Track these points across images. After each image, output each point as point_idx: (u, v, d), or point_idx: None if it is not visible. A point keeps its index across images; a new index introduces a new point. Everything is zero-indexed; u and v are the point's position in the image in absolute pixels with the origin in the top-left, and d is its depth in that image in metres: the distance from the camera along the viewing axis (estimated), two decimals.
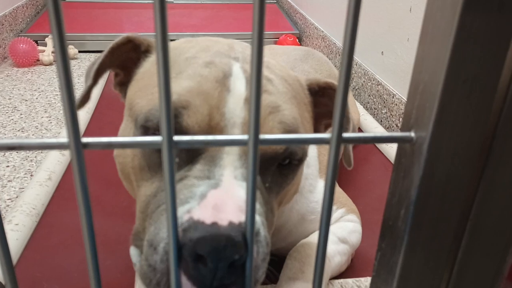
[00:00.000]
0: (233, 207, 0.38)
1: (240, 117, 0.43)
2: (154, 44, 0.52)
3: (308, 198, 0.64)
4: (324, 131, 0.58)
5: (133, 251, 0.44)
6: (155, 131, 0.44)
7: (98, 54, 1.95)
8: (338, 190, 0.75)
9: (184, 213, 0.38)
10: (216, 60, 0.45)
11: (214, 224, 0.36)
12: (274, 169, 0.46)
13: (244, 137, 0.22)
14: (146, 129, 0.44)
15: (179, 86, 0.43)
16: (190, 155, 0.43)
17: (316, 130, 0.56)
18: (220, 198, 0.38)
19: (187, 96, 0.42)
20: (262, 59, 0.20)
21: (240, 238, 0.35)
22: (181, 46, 0.49)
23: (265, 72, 0.47)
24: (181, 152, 0.43)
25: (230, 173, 0.41)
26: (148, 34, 1.90)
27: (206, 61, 0.45)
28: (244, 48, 0.50)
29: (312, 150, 0.67)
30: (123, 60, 0.53)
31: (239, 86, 0.44)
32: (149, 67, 0.49)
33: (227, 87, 0.43)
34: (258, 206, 0.42)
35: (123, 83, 0.55)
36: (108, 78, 1.39)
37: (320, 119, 0.56)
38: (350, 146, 0.58)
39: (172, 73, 0.45)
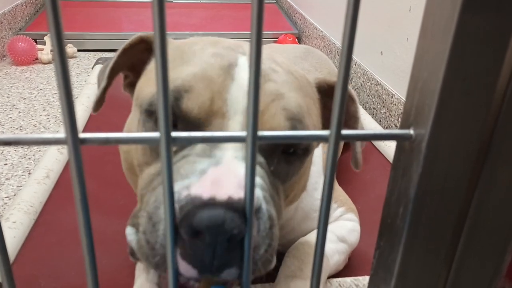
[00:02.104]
0: (233, 183, 0.37)
1: (242, 104, 0.43)
2: (172, 40, 0.52)
3: (313, 196, 0.64)
4: None
5: (129, 230, 0.43)
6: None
7: (97, 53, 1.95)
8: (338, 188, 0.75)
9: (182, 189, 0.37)
10: (224, 52, 0.46)
11: (212, 199, 0.35)
12: (279, 154, 0.46)
13: (243, 133, 0.22)
14: (150, 113, 0.45)
15: (184, 72, 0.43)
16: None
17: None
18: (220, 174, 0.38)
19: (191, 81, 0.43)
20: (261, 58, 0.20)
21: (239, 213, 0.34)
22: (190, 42, 0.49)
23: (271, 64, 0.47)
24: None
25: (232, 154, 0.40)
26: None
27: (213, 52, 0.46)
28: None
29: (318, 148, 0.67)
30: (134, 61, 0.54)
31: (243, 76, 0.44)
32: None
33: (232, 75, 0.44)
34: (260, 181, 0.41)
35: (132, 84, 0.55)
36: None
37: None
38: (359, 148, 0.57)
39: (179, 62, 0.45)
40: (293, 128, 0.44)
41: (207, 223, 0.34)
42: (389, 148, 1.07)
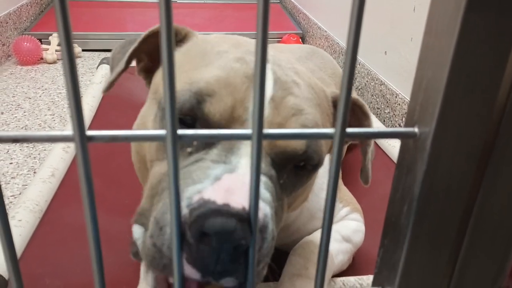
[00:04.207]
0: (246, 195, 0.36)
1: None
2: (192, 33, 0.52)
3: (319, 196, 0.64)
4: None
5: (136, 229, 0.43)
6: (177, 115, 0.44)
7: (101, 53, 1.96)
8: (343, 188, 0.75)
9: (194, 194, 0.36)
10: (247, 57, 0.45)
11: (226, 205, 0.34)
12: (290, 168, 0.46)
13: (248, 131, 0.22)
14: None
15: (209, 74, 0.43)
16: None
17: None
18: (235, 182, 0.37)
19: (214, 85, 0.42)
20: (266, 59, 0.20)
21: (248, 227, 0.33)
22: (213, 41, 0.49)
23: (294, 77, 0.47)
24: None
25: (247, 162, 0.40)
26: None
27: (237, 56, 0.45)
28: (275, 52, 0.50)
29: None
30: (152, 48, 0.54)
31: (268, 85, 0.44)
32: (178, 56, 0.49)
33: None
34: (270, 198, 0.41)
35: (147, 70, 0.55)
36: None
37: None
38: (370, 163, 0.57)
39: (202, 63, 0.45)
40: (309, 145, 0.44)
41: (219, 229, 0.33)
42: (393, 148, 1.07)
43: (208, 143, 0.42)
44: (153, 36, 0.53)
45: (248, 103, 0.42)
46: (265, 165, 0.43)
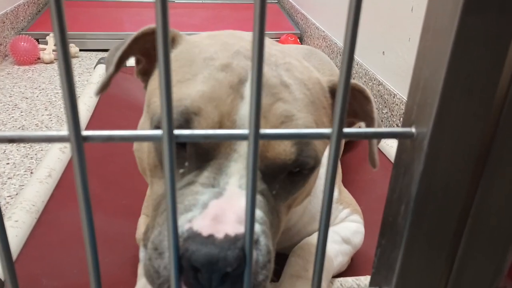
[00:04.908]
0: (232, 218, 0.39)
1: None
2: (180, 37, 0.50)
3: (319, 198, 0.64)
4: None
5: (142, 253, 0.45)
6: None
7: (99, 53, 1.95)
8: (343, 190, 0.74)
9: (186, 222, 0.39)
10: (234, 63, 0.45)
11: (210, 237, 0.38)
12: (284, 177, 0.46)
13: (245, 131, 0.22)
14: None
15: (193, 90, 0.43)
16: (200, 161, 0.43)
17: None
18: (221, 208, 0.39)
19: (199, 102, 0.42)
20: (263, 59, 0.20)
21: (233, 251, 0.37)
22: (202, 43, 0.48)
23: (284, 76, 0.46)
24: (190, 157, 0.43)
25: (235, 181, 0.41)
26: None
27: (223, 63, 0.44)
28: (269, 46, 0.49)
29: (327, 150, 0.67)
30: (147, 48, 0.52)
31: None
32: (174, 65, 0.48)
33: (241, 93, 0.43)
34: (260, 214, 0.42)
35: (145, 71, 0.54)
36: None
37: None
38: (375, 145, 0.56)
39: (188, 74, 0.45)
40: (300, 151, 0.44)
41: (203, 261, 0.36)
42: (391, 149, 1.07)
43: (199, 164, 0.43)
44: (146, 37, 0.51)
45: (235, 115, 0.42)
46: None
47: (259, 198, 0.43)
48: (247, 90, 0.43)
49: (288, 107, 0.44)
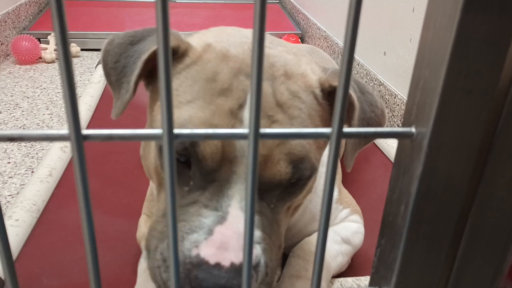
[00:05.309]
0: (236, 246, 0.41)
1: None
2: (191, 50, 0.48)
3: (320, 197, 0.64)
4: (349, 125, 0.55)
5: (144, 256, 0.48)
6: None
7: (100, 53, 1.95)
8: (343, 190, 0.75)
9: (192, 247, 0.42)
10: (234, 85, 0.45)
11: (217, 265, 0.41)
12: (281, 190, 0.47)
13: (245, 131, 0.22)
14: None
15: (196, 116, 0.44)
16: (203, 181, 0.45)
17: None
18: (225, 235, 0.42)
19: (202, 128, 0.43)
20: (263, 60, 0.20)
21: (239, 280, 0.40)
22: (205, 59, 0.47)
23: (279, 93, 0.45)
24: (195, 177, 0.45)
25: (236, 204, 0.43)
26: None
27: (223, 88, 0.45)
28: (268, 52, 0.49)
29: (327, 149, 0.67)
30: (154, 65, 0.51)
31: (250, 117, 0.44)
32: (176, 83, 0.47)
33: (240, 118, 0.44)
34: (259, 234, 0.44)
35: (147, 75, 0.53)
36: None
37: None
38: (353, 151, 0.55)
39: (189, 96, 0.45)
40: (296, 169, 0.45)
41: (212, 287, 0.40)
42: (391, 149, 1.07)
43: (202, 184, 0.45)
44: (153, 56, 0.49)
45: (235, 141, 0.43)
46: None
47: (257, 218, 0.45)
48: (246, 114, 0.45)
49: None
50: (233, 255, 0.41)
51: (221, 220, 0.43)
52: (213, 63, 0.46)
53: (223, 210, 0.43)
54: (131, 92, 0.48)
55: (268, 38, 0.53)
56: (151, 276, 0.45)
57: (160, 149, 0.46)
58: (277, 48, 0.50)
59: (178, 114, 0.45)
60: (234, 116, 0.44)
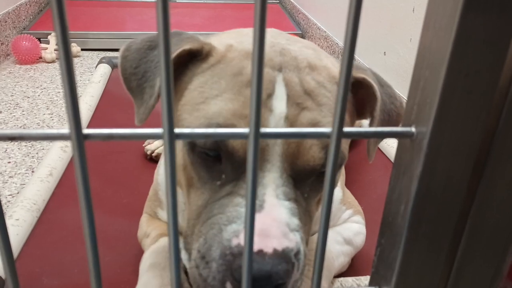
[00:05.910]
0: (277, 233, 0.41)
1: None
2: (215, 51, 0.48)
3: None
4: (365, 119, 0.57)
5: (184, 256, 0.48)
6: (202, 149, 0.45)
7: (100, 52, 1.96)
8: (346, 191, 0.75)
9: (232, 237, 0.42)
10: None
11: (260, 252, 0.40)
12: (313, 178, 0.47)
13: (245, 130, 0.22)
14: (193, 145, 0.46)
15: (225, 108, 0.44)
16: (235, 173, 0.45)
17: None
18: (265, 223, 0.42)
19: (232, 120, 0.44)
20: (263, 60, 0.20)
21: (283, 266, 0.40)
22: (229, 57, 0.47)
23: (307, 82, 0.46)
24: (226, 170, 0.45)
25: (272, 191, 0.43)
26: (150, 33, 1.90)
27: (249, 79, 0.45)
28: (289, 46, 0.49)
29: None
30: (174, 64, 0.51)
31: (280, 105, 0.45)
32: (202, 81, 0.48)
33: (269, 107, 0.44)
34: (296, 221, 0.44)
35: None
36: (111, 76, 1.39)
37: (362, 109, 0.55)
38: (373, 143, 0.56)
39: (216, 91, 0.45)
40: (327, 155, 0.46)
41: (257, 276, 0.39)
42: (391, 149, 1.07)
43: (235, 175, 0.45)
44: (179, 59, 0.49)
45: (265, 129, 0.44)
46: (289, 189, 0.45)
47: (293, 206, 0.45)
48: (275, 103, 0.45)
49: (313, 115, 0.46)
50: (275, 241, 0.41)
51: (259, 208, 0.43)
52: (237, 60, 0.47)
53: (260, 199, 0.43)
54: (156, 97, 0.48)
55: (285, 36, 0.55)
56: (191, 278, 0.45)
57: (191, 147, 0.46)
58: (296, 45, 0.51)
59: (206, 108, 0.45)
60: (264, 105, 0.44)
